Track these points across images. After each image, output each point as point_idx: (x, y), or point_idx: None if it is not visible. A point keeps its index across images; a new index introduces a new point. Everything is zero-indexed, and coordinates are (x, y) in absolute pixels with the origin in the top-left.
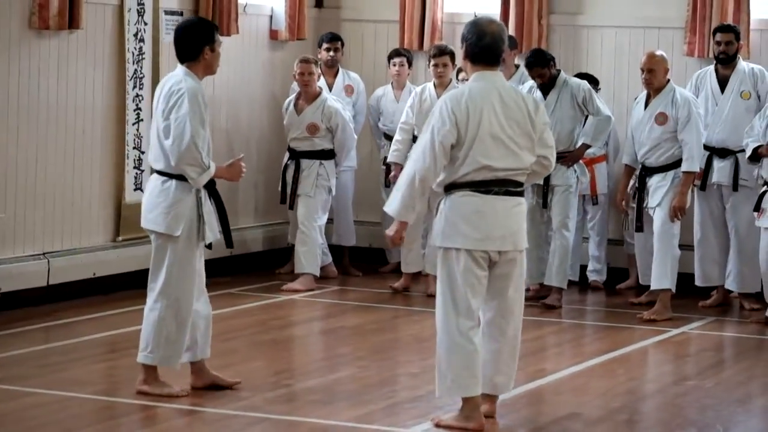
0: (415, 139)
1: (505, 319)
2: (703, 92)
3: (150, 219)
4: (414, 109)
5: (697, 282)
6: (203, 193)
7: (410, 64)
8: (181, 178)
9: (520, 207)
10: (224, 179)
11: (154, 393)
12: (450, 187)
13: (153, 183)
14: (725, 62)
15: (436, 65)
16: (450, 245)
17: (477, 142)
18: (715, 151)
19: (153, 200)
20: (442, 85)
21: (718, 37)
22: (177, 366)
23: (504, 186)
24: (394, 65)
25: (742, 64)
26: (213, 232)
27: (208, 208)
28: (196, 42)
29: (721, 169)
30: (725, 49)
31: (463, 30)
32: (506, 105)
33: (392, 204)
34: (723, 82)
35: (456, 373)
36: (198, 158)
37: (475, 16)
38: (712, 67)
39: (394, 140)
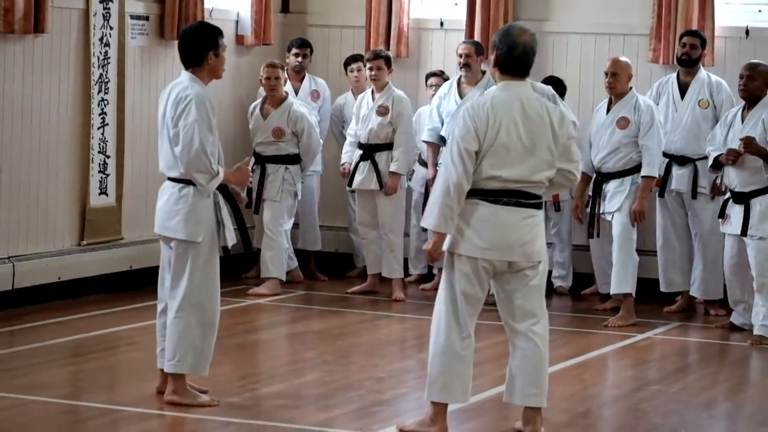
0: (359, 144)
1: (513, 330)
2: (664, 99)
3: (170, 227)
4: (356, 115)
5: (662, 288)
6: (220, 198)
7: None
8: None
9: (532, 219)
10: (232, 184)
11: (185, 403)
12: None
13: (169, 190)
14: (686, 64)
15: (370, 68)
16: (454, 251)
17: (490, 152)
18: (674, 159)
19: (171, 208)
20: (378, 89)
21: (684, 39)
22: (205, 372)
23: (514, 197)
24: (352, 71)
25: (703, 73)
26: (231, 235)
27: (226, 213)
28: (200, 47)
29: (679, 177)
30: (689, 51)
31: (494, 37)
32: (528, 117)
33: (430, 217)
34: (683, 90)
35: (446, 379)
36: (207, 165)
37: (441, 23)
38: (674, 75)
39: (345, 144)
